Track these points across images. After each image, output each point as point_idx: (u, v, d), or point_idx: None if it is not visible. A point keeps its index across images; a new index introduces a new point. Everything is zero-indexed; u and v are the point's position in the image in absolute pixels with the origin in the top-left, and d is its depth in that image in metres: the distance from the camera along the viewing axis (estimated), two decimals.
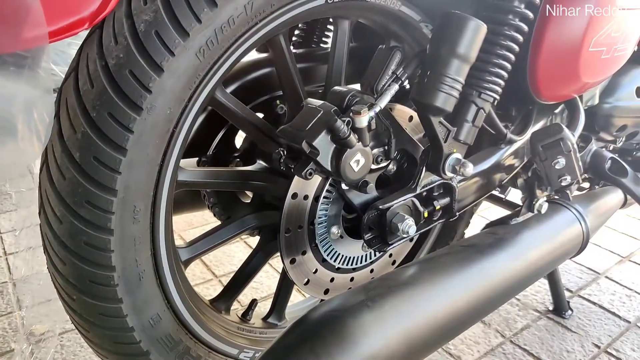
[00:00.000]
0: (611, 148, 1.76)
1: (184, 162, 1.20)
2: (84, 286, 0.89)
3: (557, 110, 1.44)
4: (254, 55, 1.30)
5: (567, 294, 2.00)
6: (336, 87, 1.03)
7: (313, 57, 1.38)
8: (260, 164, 1.21)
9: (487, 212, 2.59)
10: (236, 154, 1.29)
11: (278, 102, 1.28)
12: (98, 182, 0.82)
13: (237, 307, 1.77)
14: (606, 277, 2.14)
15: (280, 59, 1.11)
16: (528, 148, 1.30)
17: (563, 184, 1.15)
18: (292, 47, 1.49)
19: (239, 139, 1.31)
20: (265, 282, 1.95)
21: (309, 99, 1.01)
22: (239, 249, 2.16)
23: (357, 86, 1.22)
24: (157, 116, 0.83)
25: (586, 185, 1.81)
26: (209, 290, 1.89)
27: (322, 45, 1.50)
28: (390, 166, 1.14)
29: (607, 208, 1.52)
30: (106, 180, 0.82)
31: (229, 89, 1.19)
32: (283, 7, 0.93)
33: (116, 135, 0.81)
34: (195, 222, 2.34)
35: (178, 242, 2.15)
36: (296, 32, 1.49)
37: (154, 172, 0.88)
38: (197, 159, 1.26)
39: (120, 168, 0.82)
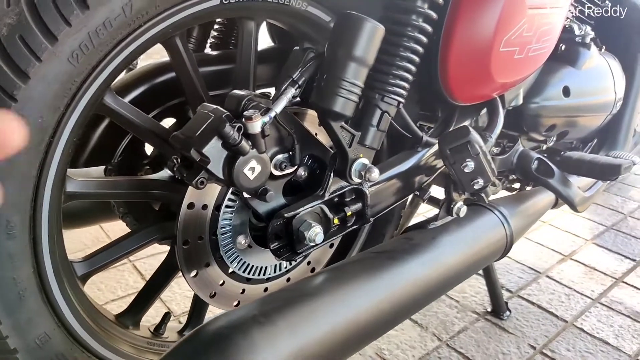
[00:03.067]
0: (544, 148, 1.75)
1: (79, 172, 1.15)
2: None
3: (482, 112, 1.42)
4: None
5: (506, 294, 1.99)
6: (235, 91, 0.98)
7: (225, 59, 1.33)
8: (166, 171, 1.15)
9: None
10: (145, 161, 1.24)
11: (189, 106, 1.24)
12: None
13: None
14: (547, 276, 2.14)
15: (178, 62, 1.06)
16: None
17: (476, 187, 1.12)
18: (209, 48, 1.45)
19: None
20: None
21: (204, 103, 0.96)
22: None
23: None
24: (26, 126, 0.78)
25: (517, 185, 1.80)
26: None
27: None
28: (301, 172, 1.10)
29: (535, 209, 1.51)
30: None
31: (129, 96, 1.14)
32: (170, 8, 0.88)
33: None
34: None
35: None
36: (213, 33, 1.44)
37: (28, 186, 0.83)
38: (104, 167, 1.21)
39: None
